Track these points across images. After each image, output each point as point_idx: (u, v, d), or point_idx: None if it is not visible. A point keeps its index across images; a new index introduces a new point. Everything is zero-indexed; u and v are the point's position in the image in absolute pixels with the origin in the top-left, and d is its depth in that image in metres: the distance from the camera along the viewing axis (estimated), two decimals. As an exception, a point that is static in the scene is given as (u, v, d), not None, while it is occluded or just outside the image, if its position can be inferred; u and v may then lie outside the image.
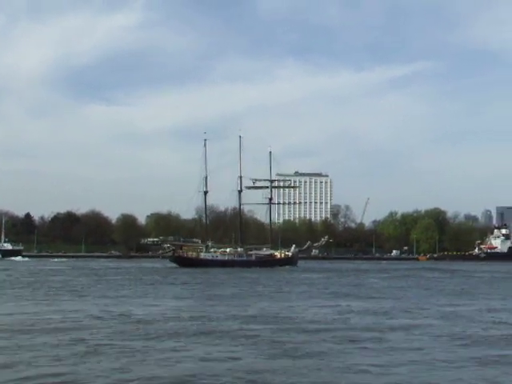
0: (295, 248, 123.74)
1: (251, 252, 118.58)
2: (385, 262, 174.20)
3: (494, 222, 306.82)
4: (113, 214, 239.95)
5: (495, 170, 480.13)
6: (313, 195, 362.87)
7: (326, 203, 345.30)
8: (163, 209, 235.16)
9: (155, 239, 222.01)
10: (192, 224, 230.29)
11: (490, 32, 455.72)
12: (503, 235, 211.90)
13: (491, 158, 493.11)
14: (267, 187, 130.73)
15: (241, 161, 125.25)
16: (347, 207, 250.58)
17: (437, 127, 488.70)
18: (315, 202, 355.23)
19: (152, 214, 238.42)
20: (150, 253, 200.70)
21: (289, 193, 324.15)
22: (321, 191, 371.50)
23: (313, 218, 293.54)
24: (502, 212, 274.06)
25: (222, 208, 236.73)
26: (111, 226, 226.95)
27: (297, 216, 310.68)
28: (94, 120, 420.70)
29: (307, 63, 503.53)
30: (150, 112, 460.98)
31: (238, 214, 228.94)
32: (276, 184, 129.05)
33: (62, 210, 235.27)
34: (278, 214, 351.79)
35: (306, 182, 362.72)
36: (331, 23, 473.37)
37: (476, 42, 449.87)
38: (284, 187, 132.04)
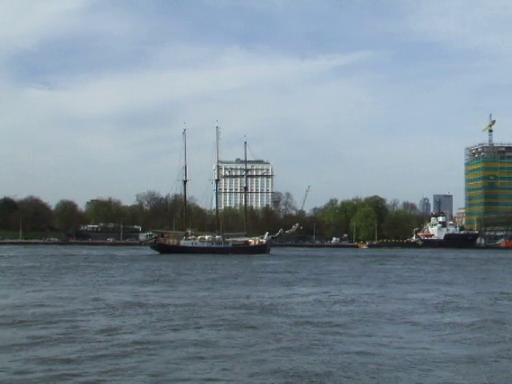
0: (268, 235, 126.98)
1: (228, 239, 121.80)
2: (325, 248, 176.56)
3: (432, 209, 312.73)
4: (52, 200, 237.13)
5: (433, 158, 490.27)
6: (254, 182, 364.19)
7: (268, 190, 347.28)
8: (104, 195, 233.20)
9: (95, 226, 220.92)
10: (132, 211, 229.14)
11: (430, 24, 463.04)
12: (440, 223, 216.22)
13: (430, 147, 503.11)
14: (243, 176, 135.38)
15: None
16: (288, 195, 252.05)
17: (378, 116, 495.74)
18: (257, 190, 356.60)
19: (92, 201, 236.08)
20: (89, 240, 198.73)
21: (235, 181, 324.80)
22: (262, 178, 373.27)
23: (254, 206, 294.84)
24: (439, 200, 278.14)
25: (163, 195, 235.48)
26: (50, 213, 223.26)
27: (238, 203, 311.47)
28: (34, 104, 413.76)
29: (251, 51, 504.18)
30: (91, 97, 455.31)
31: (180, 201, 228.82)
32: (253, 173, 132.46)
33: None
34: (219, 201, 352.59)
35: (246, 169, 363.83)
36: (275, 11, 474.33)
37: (417, 34, 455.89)
38: (260, 176, 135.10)
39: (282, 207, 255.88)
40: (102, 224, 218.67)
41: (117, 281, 44.24)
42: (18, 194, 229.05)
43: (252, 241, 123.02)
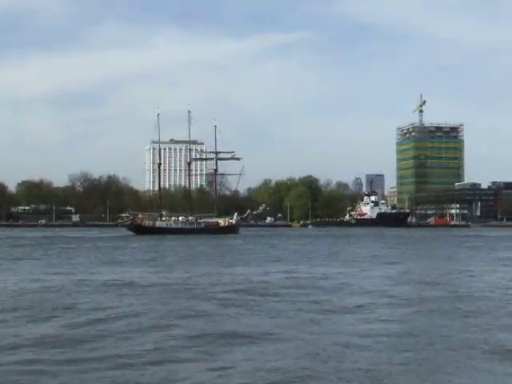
0: (237, 216, 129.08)
1: (200, 220, 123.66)
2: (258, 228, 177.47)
3: (364, 189, 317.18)
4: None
5: (366, 139, 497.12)
6: (184, 163, 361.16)
7: (202, 171, 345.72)
8: (35, 176, 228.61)
9: (26, 207, 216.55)
10: (65, 192, 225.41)
11: (366, 6, 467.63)
12: (372, 202, 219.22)
13: (363, 127, 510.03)
14: (213, 159, 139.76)
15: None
16: (222, 175, 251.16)
17: (313, 97, 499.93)
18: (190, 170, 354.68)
19: (23, 182, 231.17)
20: (20, 221, 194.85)
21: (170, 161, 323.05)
22: (191, 159, 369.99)
23: (188, 186, 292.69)
24: (372, 179, 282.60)
25: (96, 176, 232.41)
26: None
27: (172, 183, 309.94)
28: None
29: (188, 30, 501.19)
30: (24, 76, 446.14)
31: (113, 182, 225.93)
32: (221, 156, 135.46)
33: None
34: (153, 181, 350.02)
35: (181, 149, 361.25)
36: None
37: (353, 16, 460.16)
38: (229, 159, 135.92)
39: (217, 187, 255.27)
40: (33, 206, 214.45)
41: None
42: None
43: (222, 221, 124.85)
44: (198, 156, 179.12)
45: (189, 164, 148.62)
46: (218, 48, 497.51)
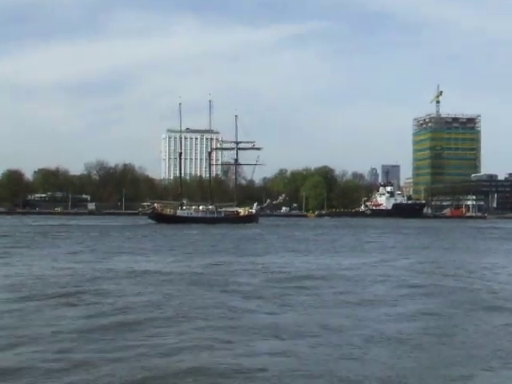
0: (257, 206, 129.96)
1: (221, 210, 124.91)
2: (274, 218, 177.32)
3: (380, 179, 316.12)
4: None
5: (382, 129, 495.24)
6: (204, 152, 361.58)
7: (217, 160, 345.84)
8: (51, 165, 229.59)
9: (43, 195, 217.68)
10: (81, 180, 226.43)
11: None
12: (388, 192, 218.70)
13: (379, 118, 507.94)
14: (233, 148, 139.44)
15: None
16: (239, 165, 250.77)
17: (330, 86, 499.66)
18: (206, 159, 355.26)
19: (40, 170, 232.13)
20: (37, 209, 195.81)
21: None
22: (208, 148, 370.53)
23: (203, 175, 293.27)
24: (387, 170, 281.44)
25: (112, 164, 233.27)
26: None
27: (188, 172, 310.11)
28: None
29: (203, 19, 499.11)
30: (40, 65, 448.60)
31: (128, 170, 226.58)
32: (242, 146, 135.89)
33: None
34: (169, 171, 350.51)
35: (196, 138, 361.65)
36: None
37: (372, 4, 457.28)
38: (249, 149, 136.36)
39: (232, 177, 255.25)
40: (49, 193, 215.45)
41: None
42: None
43: (242, 211, 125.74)
44: (218, 145, 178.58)
45: (209, 153, 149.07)
46: (233, 37, 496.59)
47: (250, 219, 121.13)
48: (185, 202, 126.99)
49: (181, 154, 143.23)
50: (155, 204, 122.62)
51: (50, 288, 22.19)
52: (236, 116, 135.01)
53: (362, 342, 14.16)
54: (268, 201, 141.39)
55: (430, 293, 22.64)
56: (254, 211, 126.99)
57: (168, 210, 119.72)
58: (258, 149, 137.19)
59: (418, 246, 55.29)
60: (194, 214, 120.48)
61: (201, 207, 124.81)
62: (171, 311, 17.74)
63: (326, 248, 49.81)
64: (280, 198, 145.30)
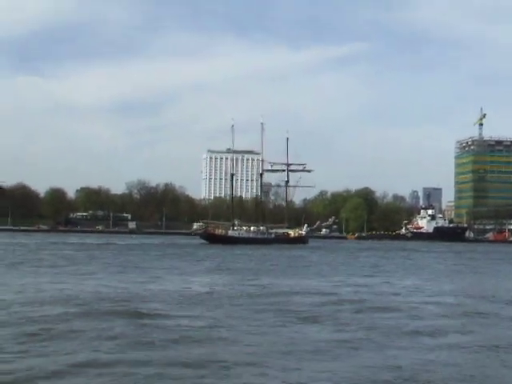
0: (307, 227, 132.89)
1: (271, 231, 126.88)
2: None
3: (421, 202, 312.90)
4: (41, 187, 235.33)
5: (423, 151, 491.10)
6: (244, 173, 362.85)
7: (257, 181, 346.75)
8: (93, 183, 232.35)
9: (84, 213, 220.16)
10: (122, 199, 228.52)
11: (424, 12, 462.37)
12: (429, 215, 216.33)
13: (419, 139, 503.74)
14: (284, 170, 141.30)
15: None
16: (278, 185, 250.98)
17: (371, 107, 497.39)
18: (247, 180, 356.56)
19: (82, 188, 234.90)
20: (78, 227, 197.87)
21: (221, 169, 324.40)
22: (252, 169, 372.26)
23: (244, 196, 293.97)
24: (429, 193, 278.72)
25: (153, 184, 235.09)
26: (39, 200, 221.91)
27: (228, 193, 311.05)
28: (26, 91, 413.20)
29: (245, 39, 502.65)
30: (83, 85, 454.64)
31: (170, 190, 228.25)
32: (292, 168, 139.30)
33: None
34: (209, 191, 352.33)
35: (237, 159, 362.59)
36: None
37: (410, 23, 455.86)
38: (300, 171, 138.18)
39: (272, 198, 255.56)
40: (91, 212, 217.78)
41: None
42: (7, 180, 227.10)
43: (292, 232, 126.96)
44: (269, 167, 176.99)
45: (261, 175, 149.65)
46: (275, 58, 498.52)
47: (300, 241, 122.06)
48: (236, 222, 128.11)
49: (233, 175, 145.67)
50: (211, 225, 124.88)
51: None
52: (287, 138, 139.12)
53: None
54: (318, 223, 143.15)
55: None
56: (303, 233, 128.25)
57: (220, 230, 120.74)
58: (309, 171, 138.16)
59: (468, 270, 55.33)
60: (245, 235, 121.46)
61: (252, 228, 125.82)
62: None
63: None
64: (330, 220, 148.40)
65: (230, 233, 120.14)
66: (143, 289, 29.21)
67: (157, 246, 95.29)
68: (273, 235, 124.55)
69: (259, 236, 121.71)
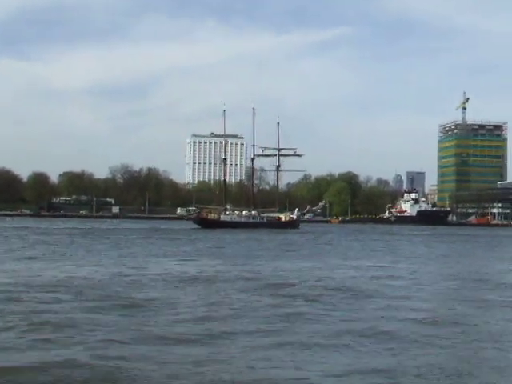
0: (298, 211, 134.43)
1: (263, 215, 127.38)
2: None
3: (405, 186, 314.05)
4: (24, 172, 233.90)
5: (407, 136, 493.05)
6: (228, 157, 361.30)
7: (241, 165, 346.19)
8: (76, 167, 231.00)
9: (67, 198, 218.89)
10: (106, 184, 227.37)
11: (408, 2, 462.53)
12: (413, 199, 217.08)
13: (404, 124, 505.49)
14: (275, 155, 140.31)
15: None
16: (262, 169, 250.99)
17: (354, 93, 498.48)
18: (231, 164, 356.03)
19: (65, 173, 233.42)
20: (61, 212, 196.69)
21: (208, 153, 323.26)
22: (236, 153, 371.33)
23: (227, 180, 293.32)
24: (412, 177, 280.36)
25: (136, 168, 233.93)
26: (22, 184, 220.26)
27: (212, 177, 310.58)
28: (6, 74, 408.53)
29: (228, 25, 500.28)
30: (67, 69, 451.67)
31: (152, 174, 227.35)
32: (283, 152, 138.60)
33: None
34: (193, 175, 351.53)
35: (221, 143, 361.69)
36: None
37: (395, 12, 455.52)
38: (291, 155, 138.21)
39: (256, 182, 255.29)
40: (74, 196, 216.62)
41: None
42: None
43: (283, 216, 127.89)
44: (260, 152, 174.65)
45: (252, 160, 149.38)
46: (258, 43, 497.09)
47: (291, 225, 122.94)
48: (228, 207, 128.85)
49: (225, 159, 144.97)
50: (204, 209, 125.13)
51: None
52: (278, 123, 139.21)
53: None
54: (308, 207, 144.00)
55: None
56: (295, 217, 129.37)
57: (212, 215, 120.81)
58: (300, 155, 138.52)
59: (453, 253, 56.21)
60: (237, 219, 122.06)
61: (244, 212, 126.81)
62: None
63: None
64: (320, 204, 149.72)
65: (223, 217, 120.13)
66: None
67: (150, 231, 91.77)
68: (264, 219, 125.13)
69: (251, 220, 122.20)
